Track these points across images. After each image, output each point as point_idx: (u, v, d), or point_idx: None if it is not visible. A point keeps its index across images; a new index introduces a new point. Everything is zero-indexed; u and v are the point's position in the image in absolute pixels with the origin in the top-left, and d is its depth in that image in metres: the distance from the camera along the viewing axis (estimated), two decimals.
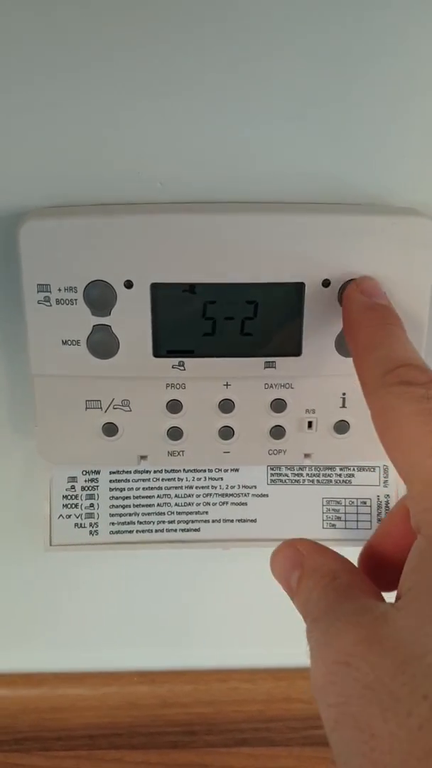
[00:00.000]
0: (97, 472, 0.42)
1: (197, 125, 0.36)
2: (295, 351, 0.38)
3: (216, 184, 0.37)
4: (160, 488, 0.43)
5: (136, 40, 0.35)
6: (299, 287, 0.37)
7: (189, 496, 0.43)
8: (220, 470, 0.43)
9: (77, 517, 0.42)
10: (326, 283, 0.37)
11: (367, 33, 0.35)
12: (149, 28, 0.34)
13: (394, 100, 0.36)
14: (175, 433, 0.40)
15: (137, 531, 0.43)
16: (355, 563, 0.30)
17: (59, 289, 0.36)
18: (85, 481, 0.42)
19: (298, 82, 0.36)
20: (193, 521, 0.43)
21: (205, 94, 0.36)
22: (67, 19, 0.34)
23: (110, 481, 0.42)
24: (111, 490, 0.43)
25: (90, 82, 0.35)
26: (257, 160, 0.37)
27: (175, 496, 0.43)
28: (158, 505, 0.43)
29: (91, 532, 0.43)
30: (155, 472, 0.43)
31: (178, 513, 0.43)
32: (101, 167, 0.37)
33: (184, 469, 0.43)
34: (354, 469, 0.43)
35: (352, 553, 0.44)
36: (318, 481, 0.43)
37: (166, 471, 0.43)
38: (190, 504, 0.43)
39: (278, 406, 0.39)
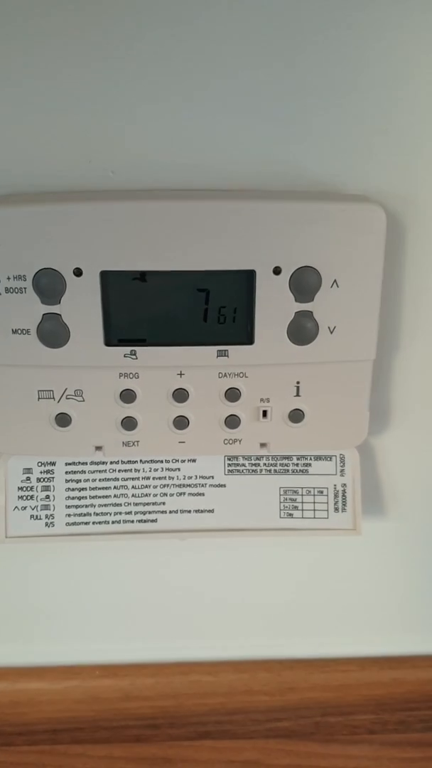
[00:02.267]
0: (53, 464, 0.42)
1: (148, 113, 0.36)
2: (248, 339, 0.38)
3: (167, 172, 0.37)
4: (116, 479, 0.43)
5: (87, 29, 0.35)
6: (250, 275, 0.37)
7: (146, 486, 0.43)
8: (177, 461, 0.43)
9: (33, 509, 0.42)
10: (277, 271, 0.37)
11: (317, 23, 0.35)
12: (102, 18, 0.34)
13: (344, 87, 0.36)
14: (129, 423, 0.39)
15: (94, 522, 0.43)
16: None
17: (8, 278, 0.36)
18: (41, 472, 0.42)
19: (248, 70, 0.36)
20: (150, 512, 0.43)
21: (157, 82, 0.36)
22: (13, 10, 0.34)
23: (66, 472, 0.42)
24: (67, 481, 0.42)
25: (39, 70, 0.35)
26: (208, 148, 0.37)
27: (132, 487, 0.43)
28: (115, 496, 0.43)
29: (47, 524, 0.42)
30: (112, 463, 0.42)
31: (135, 504, 0.43)
32: (51, 155, 0.37)
33: (141, 460, 0.42)
34: (311, 459, 0.43)
35: (310, 543, 0.44)
36: (275, 470, 0.43)
37: (123, 462, 0.42)
38: (147, 495, 0.43)
39: (232, 395, 0.39)
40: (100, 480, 0.42)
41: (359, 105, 0.36)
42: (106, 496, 0.43)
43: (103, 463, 0.42)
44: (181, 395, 0.39)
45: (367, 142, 0.37)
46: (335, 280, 0.37)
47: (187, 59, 0.35)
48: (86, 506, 0.42)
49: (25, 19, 0.34)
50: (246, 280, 0.37)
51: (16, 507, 0.42)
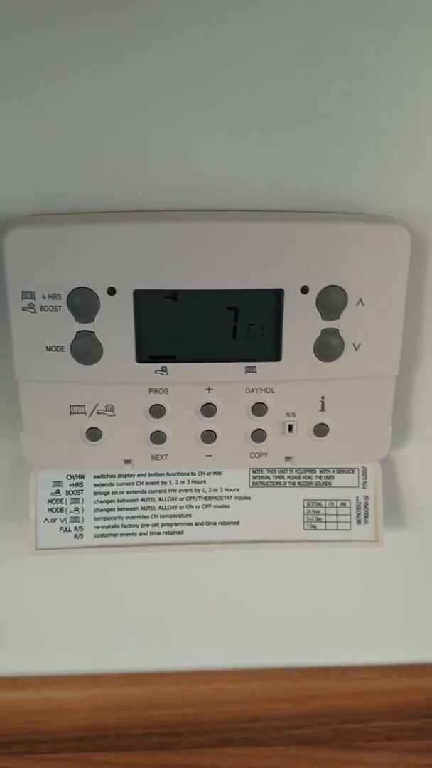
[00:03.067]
0: (82, 476, 0.43)
1: (180, 135, 0.37)
2: (275, 356, 0.39)
3: (197, 193, 0.38)
4: (144, 492, 0.43)
5: (118, 51, 0.35)
6: (278, 294, 0.38)
7: (173, 499, 0.44)
8: (203, 473, 0.43)
9: (62, 521, 0.43)
10: (305, 290, 0.38)
11: (344, 39, 0.36)
12: (132, 39, 0.35)
13: (372, 109, 0.37)
14: (158, 437, 0.40)
15: (121, 534, 0.43)
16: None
17: (43, 296, 0.37)
18: (70, 485, 0.43)
19: (278, 92, 0.37)
20: (176, 524, 0.44)
21: (188, 104, 0.37)
22: (44, 32, 0.35)
23: (95, 485, 0.43)
24: (95, 494, 0.43)
25: (72, 93, 0.36)
26: (238, 169, 0.38)
27: (159, 499, 0.44)
28: (142, 508, 0.43)
29: (76, 536, 0.43)
30: (139, 475, 0.43)
31: (162, 516, 0.44)
32: (84, 176, 0.38)
33: (167, 473, 0.43)
34: (334, 471, 0.44)
35: (332, 554, 0.45)
36: (299, 483, 0.44)
37: (150, 474, 0.43)
38: (173, 507, 0.44)
39: (259, 409, 0.40)
40: (128, 492, 0.43)
41: (383, 125, 0.37)
42: (134, 509, 0.43)
43: (131, 475, 0.43)
44: (209, 410, 0.40)
45: (391, 163, 0.38)
46: (360, 299, 0.38)
47: (213, 80, 0.36)
48: (114, 518, 0.43)
49: (55, 36, 0.35)
50: (274, 298, 0.38)
51: (45, 519, 0.43)
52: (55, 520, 0.43)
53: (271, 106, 0.37)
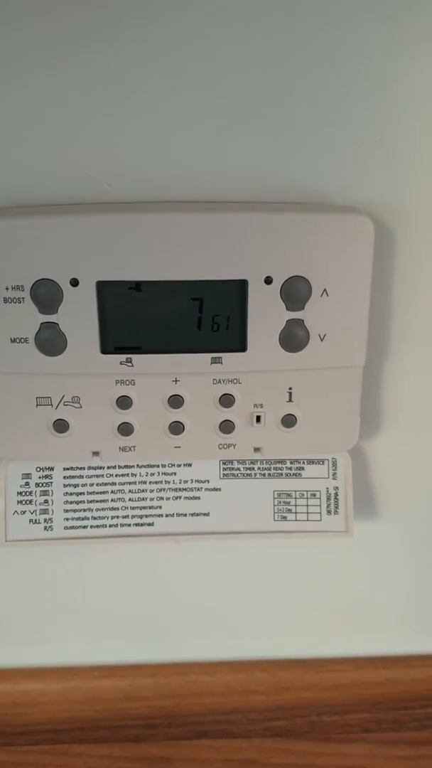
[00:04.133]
0: (51, 469, 0.43)
1: (143, 126, 0.37)
2: (241, 347, 0.39)
3: (161, 184, 0.38)
4: (113, 484, 0.43)
5: (85, 43, 0.35)
6: (242, 284, 0.38)
7: (143, 491, 0.44)
8: (173, 465, 0.44)
9: (32, 513, 0.43)
10: (269, 281, 0.38)
11: (305, 34, 0.36)
12: (97, 31, 0.35)
13: (335, 100, 0.37)
14: (125, 429, 0.40)
15: (91, 526, 0.43)
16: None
17: (6, 288, 0.37)
18: (39, 477, 0.43)
19: (240, 81, 0.36)
20: (146, 516, 0.44)
21: (151, 95, 0.37)
22: (7, 21, 0.35)
23: (64, 477, 0.43)
24: (65, 486, 0.43)
25: (36, 84, 0.36)
26: (200, 160, 0.38)
27: (129, 491, 0.44)
28: (112, 500, 0.44)
29: (45, 528, 0.43)
30: (109, 467, 0.43)
31: (132, 508, 0.44)
32: (48, 167, 0.38)
33: (137, 465, 0.43)
34: (304, 462, 0.44)
35: (304, 546, 0.45)
36: (269, 474, 0.44)
37: (120, 467, 0.43)
38: (143, 499, 0.44)
39: (226, 401, 0.40)
40: (97, 485, 0.43)
41: (348, 116, 0.37)
42: (104, 501, 0.43)
43: (101, 468, 0.43)
44: (176, 401, 0.40)
45: (355, 153, 0.38)
46: (325, 289, 0.38)
47: (178, 72, 0.36)
48: (84, 510, 0.43)
49: (22, 31, 0.35)
50: (239, 289, 0.38)
51: (15, 511, 0.43)
52: (24, 512, 0.43)
53: (233, 98, 0.37)
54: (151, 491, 0.44)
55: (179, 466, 0.44)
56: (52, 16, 0.35)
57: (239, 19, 0.35)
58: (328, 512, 0.44)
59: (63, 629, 0.50)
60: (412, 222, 0.39)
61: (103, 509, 0.43)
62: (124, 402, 0.40)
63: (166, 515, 0.44)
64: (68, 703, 0.51)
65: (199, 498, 0.44)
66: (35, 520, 0.43)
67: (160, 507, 0.44)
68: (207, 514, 0.44)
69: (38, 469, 0.43)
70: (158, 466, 0.44)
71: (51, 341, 0.38)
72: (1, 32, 0.35)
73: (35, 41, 0.35)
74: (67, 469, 0.43)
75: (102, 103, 0.37)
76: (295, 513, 0.44)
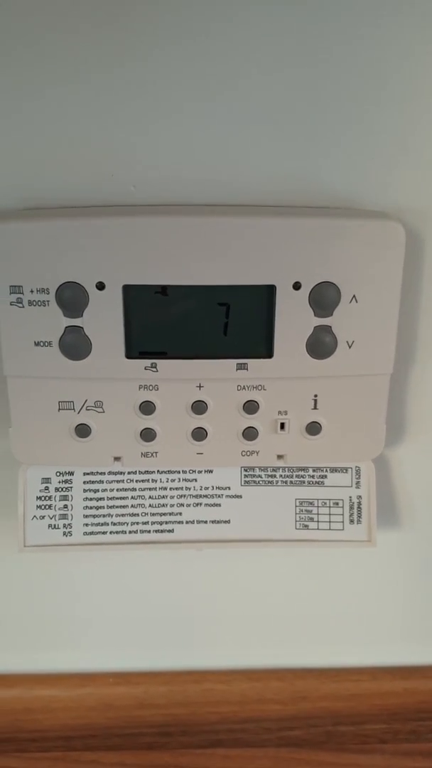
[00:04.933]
0: (71, 473, 0.42)
1: (171, 128, 0.37)
2: (267, 353, 0.38)
3: (189, 188, 0.38)
4: (134, 489, 0.43)
5: (111, 46, 0.35)
6: (270, 290, 0.37)
7: (163, 497, 0.43)
8: (194, 471, 0.43)
9: (51, 518, 0.42)
10: (297, 286, 0.37)
11: (337, 37, 0.35)
12: (124, 35, 0.35)
13: (365, 104, 0.36)
14: (148, 435, 0.40)
15: (111, 532, 0.43)
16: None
17: (31, 291, 0.36)
18: (59, 482, 0.42)
19: (270, 86, 0.36)
20: (167, 522, 0.43)
21: (179, 97, 0.36)
22: (32, 27, 0.34)
23: (84, 482, 0.43)
24: (85, 491, 0.43)
25: (62, 87, 0.36)
26: (229, 164, 0.37)
27: (150, 497, 0.43)
28: (132, 506, 0.43)
29: (65, 533, 0.43)
30: (129, 473, 0.43)
31: (152, 514, 0.43)
32: (75, 170, 0.37)
33: (158, 471, 0.43)
34: (327, 471, 0.43)
35: (324, 554, 0.45)
36: (291, 482, 0.43)
37: (140, 472, 0.43)
38: (164, 505, 0.43)
39: (251, 407, 0.40)
40: (117, 490, 0.43)
41: (379, 121, 0.37)
42: (124, 506, 0.43)
43: (121, 473, 0.43)
44: (199, 407, 0.39)
45: (386, 158, 0.37)
46: (354, 296, 0.37)
47: (208, 75, 0.36)
48: (104, 516, 0.43)
49: (46, 33, 0.35)
50: (266, 294, 0.37)
51: (34, 516, 0.42)
52: (43, 517, 0.42)
53: (265, 102, 0.36)
54: (172, 497, 0.43)
55: (200, 472, 0.43)
56: (88, 16, 0.34)
57: (273, 23, 0.35)
58: (351, 521, 0.43)
59: (77, 635, 0.49)
60: None
61: (123, 515, 0.43)
62: (147, 407, 0.39)
63: (187, 522, 0.43)
64: (81, 710, 0.50)
65: (219, 505, 0.43)
66: (54, 525, 0.43)
67: (181, 513, 0.43)
68: (228, 522, 0.43)
69: (58, 474, 0.42)
70: (179, 472, 0.43)
71: (75, 345, 0.37)
72: (36, 32, 0.35)
73: (67, 42, 0.35)
74: (87, 474, 0.43)
75: (129, 105, 0.36)
76: (317, 522, 0.43)
